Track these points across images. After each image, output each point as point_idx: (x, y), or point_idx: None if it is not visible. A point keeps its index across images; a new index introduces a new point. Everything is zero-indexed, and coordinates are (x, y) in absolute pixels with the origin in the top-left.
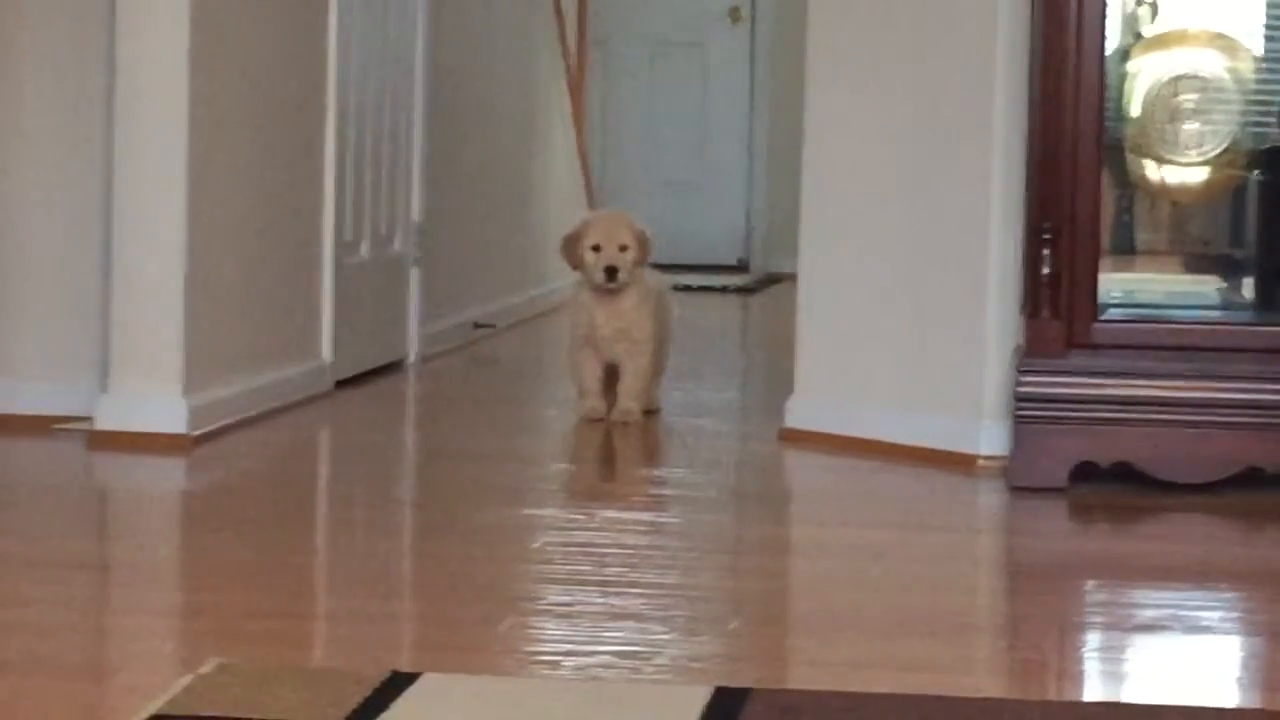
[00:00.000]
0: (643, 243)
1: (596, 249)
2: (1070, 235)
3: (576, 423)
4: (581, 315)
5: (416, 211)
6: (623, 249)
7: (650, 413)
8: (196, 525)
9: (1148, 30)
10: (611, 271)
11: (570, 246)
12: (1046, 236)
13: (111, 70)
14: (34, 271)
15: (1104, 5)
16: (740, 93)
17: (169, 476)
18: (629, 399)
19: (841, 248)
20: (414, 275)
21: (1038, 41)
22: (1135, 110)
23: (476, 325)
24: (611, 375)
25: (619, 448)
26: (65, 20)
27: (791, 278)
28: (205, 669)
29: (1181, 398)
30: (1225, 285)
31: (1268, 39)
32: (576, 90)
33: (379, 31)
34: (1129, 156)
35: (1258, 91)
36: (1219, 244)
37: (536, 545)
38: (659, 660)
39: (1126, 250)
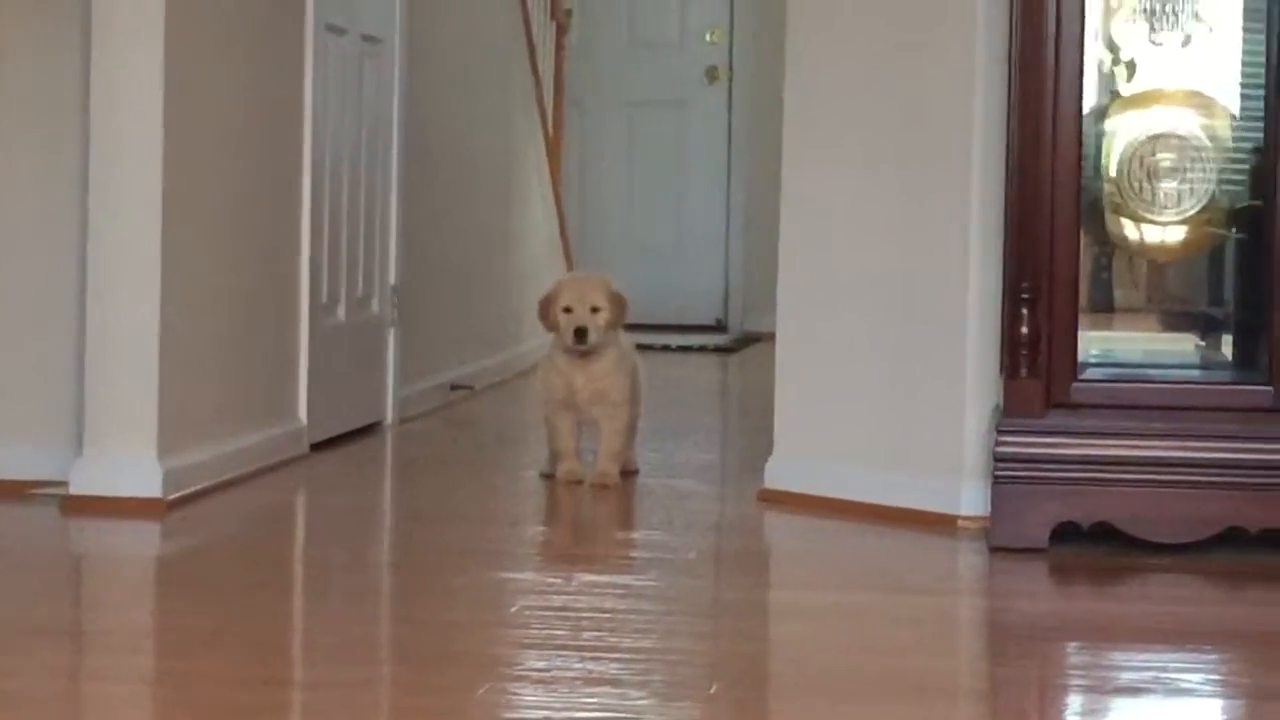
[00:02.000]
0: (617, 304)
1: (569, 310)
2: (1049, 295)
3: (553, 485)
4: (556, 377)
5: (393, 274)
6: (595, 310)
7: (628, 474)
8: (171, 591)
9: (1125, 89)
10: (581, 333)
11: (545, 308)
12: (1025, 296)
13: (86, 135)
14: (8, 335)
15: (1081, 65)
16: (718, 152)
17: (144, 541)
18: (607, 461)
19: (820, 308)
20: (391, 337)
21: (1015, 101)
22: (1113, 169)
23: (454, 387)
24: (582, 436)
25: (596, 510)
26: (39, 91)
27: (770, 337)
28: None
29: (1162, 457)
30: (1204, 343)
31: (1243, 97)
32: (553, 151)
33: (355, 94)
34: (1107, 215)
35: (1235, 150)
36: (1198, 302)
37: (514, 609)
38: None
39: (1105, 309)
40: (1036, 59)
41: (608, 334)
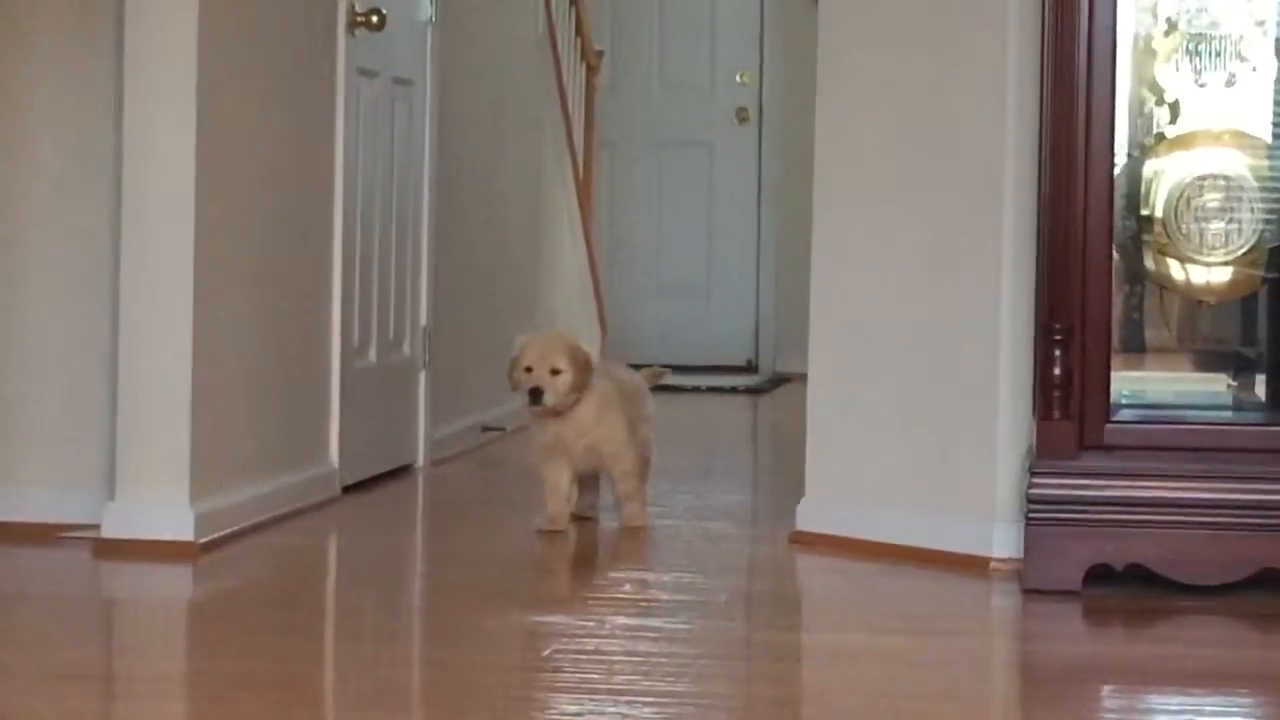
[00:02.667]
0: (580, 365)
1: (529, 370)
2: (1081, 336)
3: (584, 527)
4: (542, 433)
5: (424, 316)
6: (555, 372)
7: (635, 528)
8: (202, 636)
9: (1169, 130)
10: (536, 394)
11: (510, 368)
12: (1058, 337)
13: (118, 179)
14: (40, 378)
15: (1112, 107)
16: (748, 193)
17: (175, 585)
18: (630, 504)
19: (851, 349)
20: (422, 379)
21: (1047, 143)
22: (1159, 211)
23: (485, 429)
24: (583, 483)
25: (628, 552)
26: (71, 137)
27: (801, 378)
28: None
29: (1195, 499)
30: (1237, 384)
31: None
32: (584, 192)
33: (386, 136)
34: (1152, 256)
35: (1277, 188)
36: (1231, 342)
37: (546, 653)
38: None
39: (1137, 349)
40: (1068, 101)
41: (568, 396)
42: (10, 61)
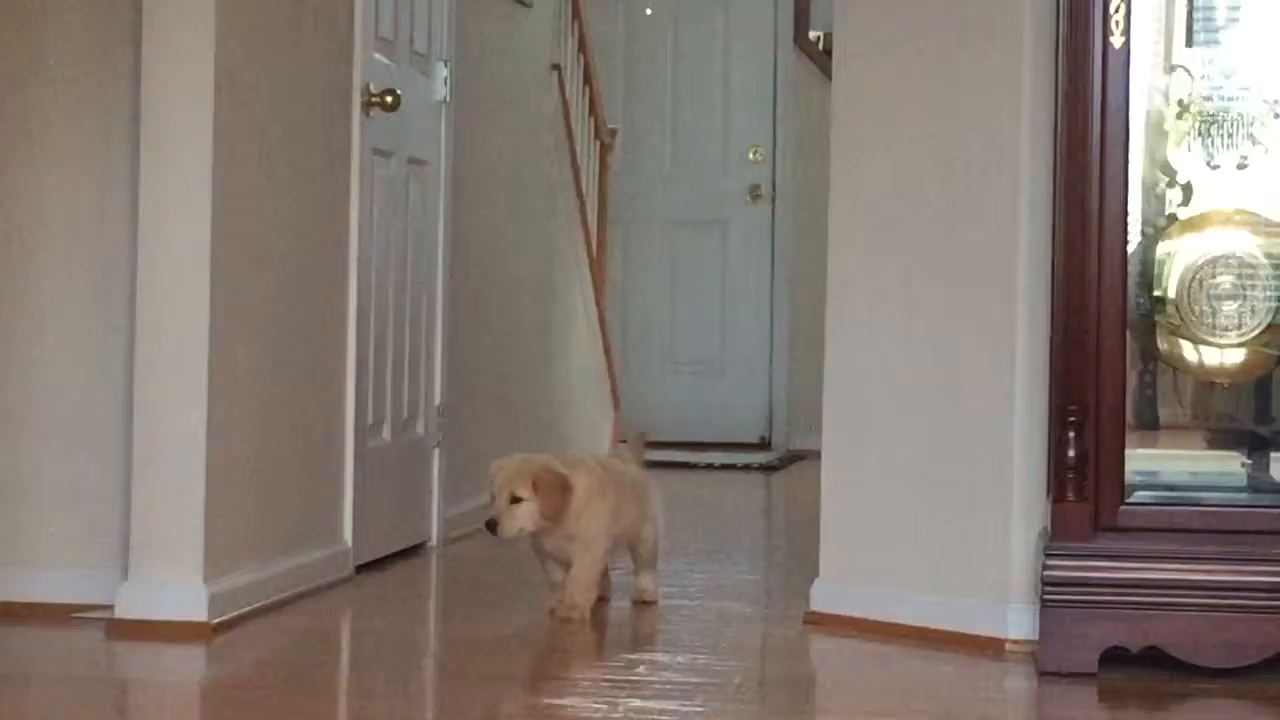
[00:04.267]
0: (549, 489)
1: (493, 499)
2: (1095, 417)
3: (596, 608)
4: (525, 541)
5: (438, 394)
6: (515, 500)
7: (645, 604)
8: (215, 717)
9: (1182, 212)
10: (490, 525)
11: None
12: (1072, 419)
13: (133, 256)
14: (54, 459)
15: (1126, 186)
16: (761, 271)
17: (189, 666)
18: (577, 593)
19: (866, 429)
20: (436, 458)
21: (1060, 222)
22: (1172, 291)
23: None
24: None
25: (642, 634)
26: (86, 203)
27: (815, 455)
28: None
29: (1211, 581)
30: (1252, 463)
31: None
32: (597, 270)
33: (401, 215)
34: (1165, 337)
35: None
36: (1245, 421)
37: None
38: None
39: (1151, 429)
40: (1081, 183)
41: (533, 524)
42: (20, 160)
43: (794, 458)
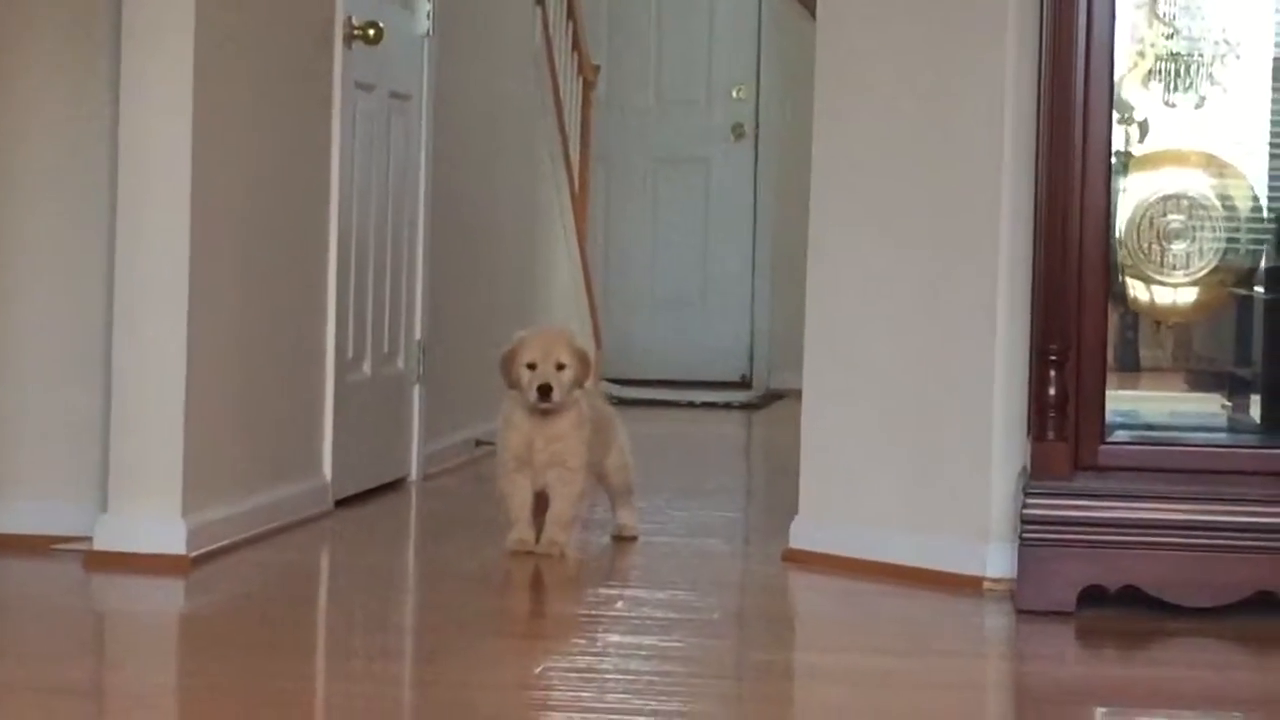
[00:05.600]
0: (583, 361)
1: (532, 366)
2: (1076, 357)
3: (580, 544)
4: (514, 437)
5: (419, 329)
6: (560, 367)
7: (625, 539)
8: (193, 649)
9: (1136, 150)
10: (546, 390)
11: (507, 364)
12: (1053, 358)
13: (113, 188)
14: (34, 391)
15: (1109, 130)
16: (743, 209)
17: (167, 598)
18: (558, 528)
19: (846, 367)
20: (416, 393)
21: (1043, 164)
22: (1122, 230)
23: (478, 443)
24: (541, 503)
25: (621, 570)
26: (65, 150)
27: (795, 394)
28: None
29: (1189, 520)
30: (1232, 405)
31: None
32: (579, 206)
33: (382, 149)
34: (1118, 276)
35: (1249, 210)
36: (1225, 364)
37: (538, 671)
38: None
39: (1132, 370)
40: (1064, 123)
41: (571, 393)
42: (4, 76)
43: (774, 396)
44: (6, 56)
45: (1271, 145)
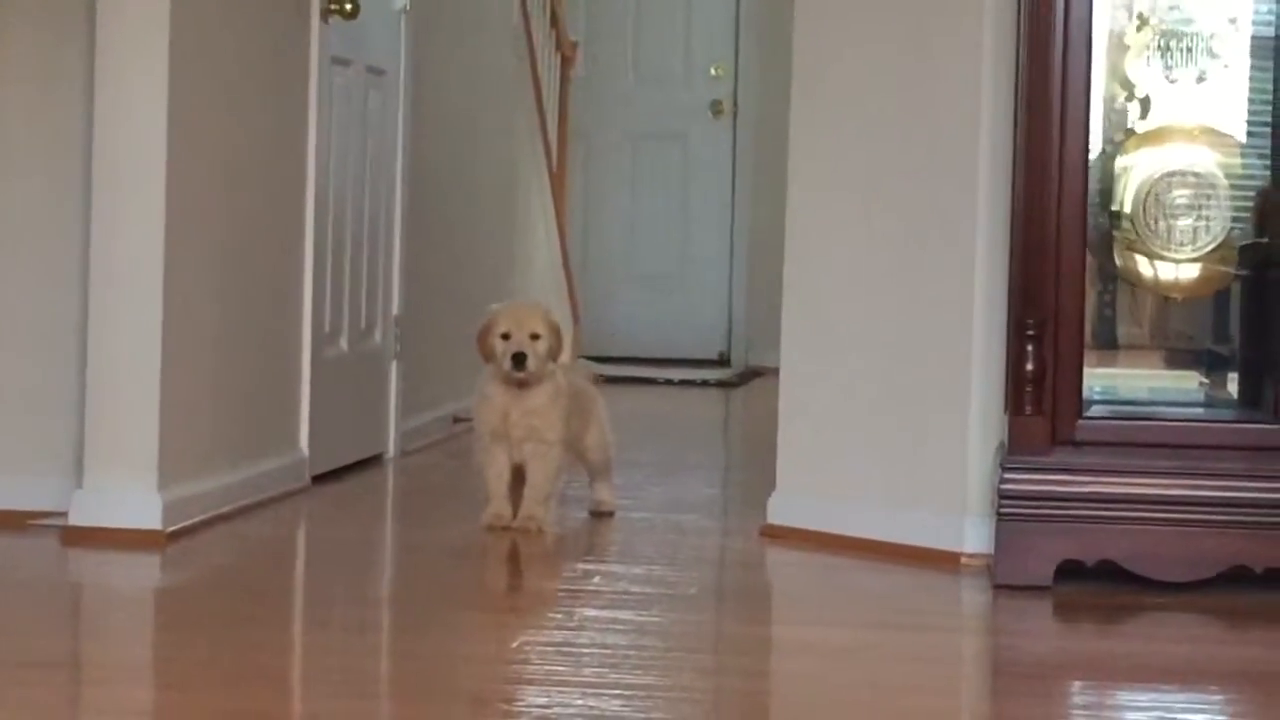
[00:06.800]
0: (555, 333)
1: (506, 337)
2: (1054, 331)
3: (557, 519)
4: (489, 409)
5: (396, 305)
6: (534, 337)
7: (602, 514)
8: (169, 623)
9: (1140, 126)
10: (519, 359)
11: (482, 336)
12: (1031, 333)
13: (88, 159)
14: (8, 365)
15: (1088, 102)
16: (722, 186)
17: (143, 573)
18: (534, 504)
19: (824, 344)
20: (393, 369)
21: (1022, 139)
22: (1128, 206)
23: (455, 419)
24: (519, 477)
25: (598, 545)
26: (41, 119)
27: (773, 372)
28: None
29: (1167, 495)
30: (1210, 381)
31: (1256, 133)
32: (557, 183)
33: (359, 124)
34: (1120, 252)
35: (1246, 185)
36: (1203, 339)
37: (514, 645)
38: None
39: (1110, 345)
40: (1043, 95)
41: (545, 364)
42: None
43: (752, 374)
44: None
45: (1260, 118)
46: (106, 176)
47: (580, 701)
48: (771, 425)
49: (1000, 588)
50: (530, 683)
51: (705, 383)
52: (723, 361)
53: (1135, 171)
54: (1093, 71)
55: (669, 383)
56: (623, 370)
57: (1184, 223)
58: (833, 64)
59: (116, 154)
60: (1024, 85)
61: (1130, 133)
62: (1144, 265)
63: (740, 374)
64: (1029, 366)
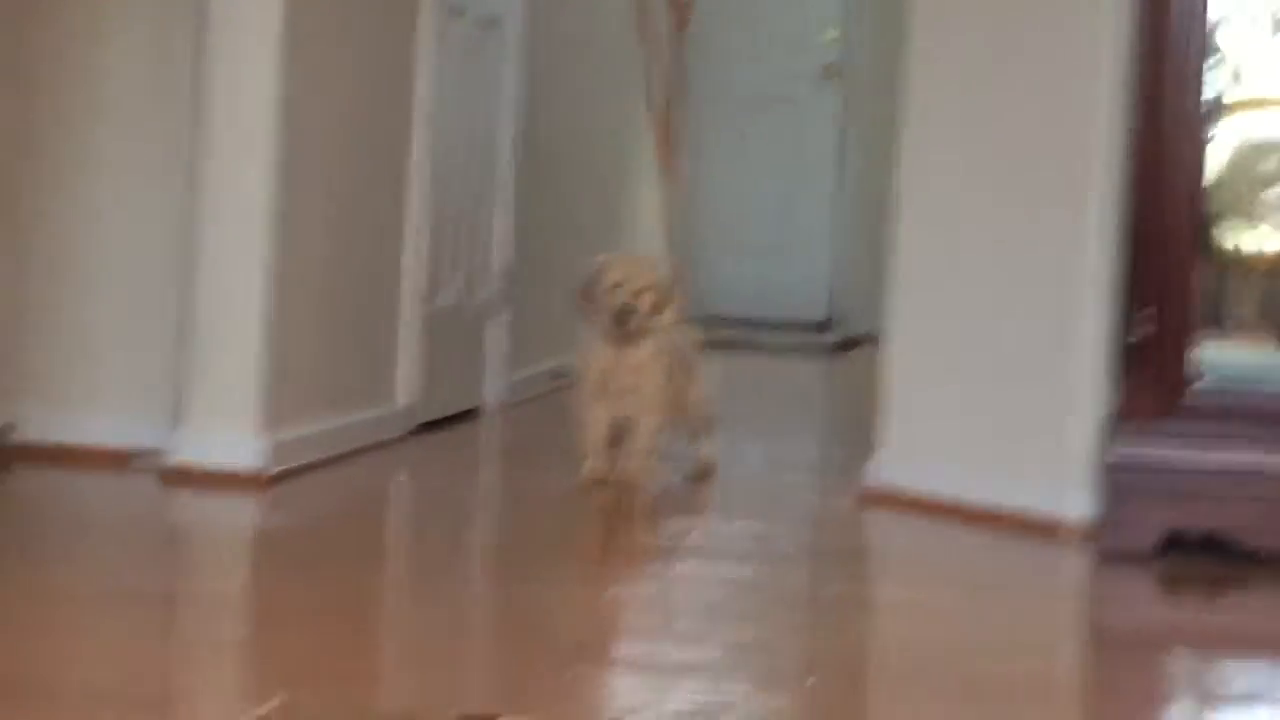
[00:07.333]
0: (663, 288)
1: (613, 291)
2: (1165, 299)
3: (657, 475)
4: (593, 365)
5: (503, 259)
6: (640, 292)
7: (703, 473)
8: (267, 564)
9: (1229, 96)
10: (626, 313)
11: (587, 288)
12: (1141, 301)
13: (198, 104)
14: (113, 304)
15: (1201, 70)
16: (830, 151)
17: (242, 514)
18: (635, 459)
19: (929, 307)
20: (498, 323)
21: (1138, 107)
22: (1214, 176)
23: (555, 376)
24: (619, 432)
25: (697, 501)
26: (151, 62)
27: (874, 340)
28: (270, 706)
29: (1275, 467)
30: None
31: None
32: (668, 144)
33: (472, 76)
34: (1209, 222)
35: None
36: None
37: (611, 595)
38: (731, 716)
39: (1221, 315)
40: (1159, 63)
41: (650, 320)
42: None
43: (853, 342)
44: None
45: None
46: (216, 118)
47: (676, 653)
48: (871, 392)
49: (1103, 556)
50: (627, 632)
51: (807, 348)
52: (825, 327)
53: (1224, 142)
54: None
55: (770, 347)
56: (724, 333)
57: (1272, 194)
58: (946, 33)
59: (227, 96)
60: (1142, 50)
61: (1220, 102)
62: (1230, 236)
63: (841, 341)
64: (1139, 334)
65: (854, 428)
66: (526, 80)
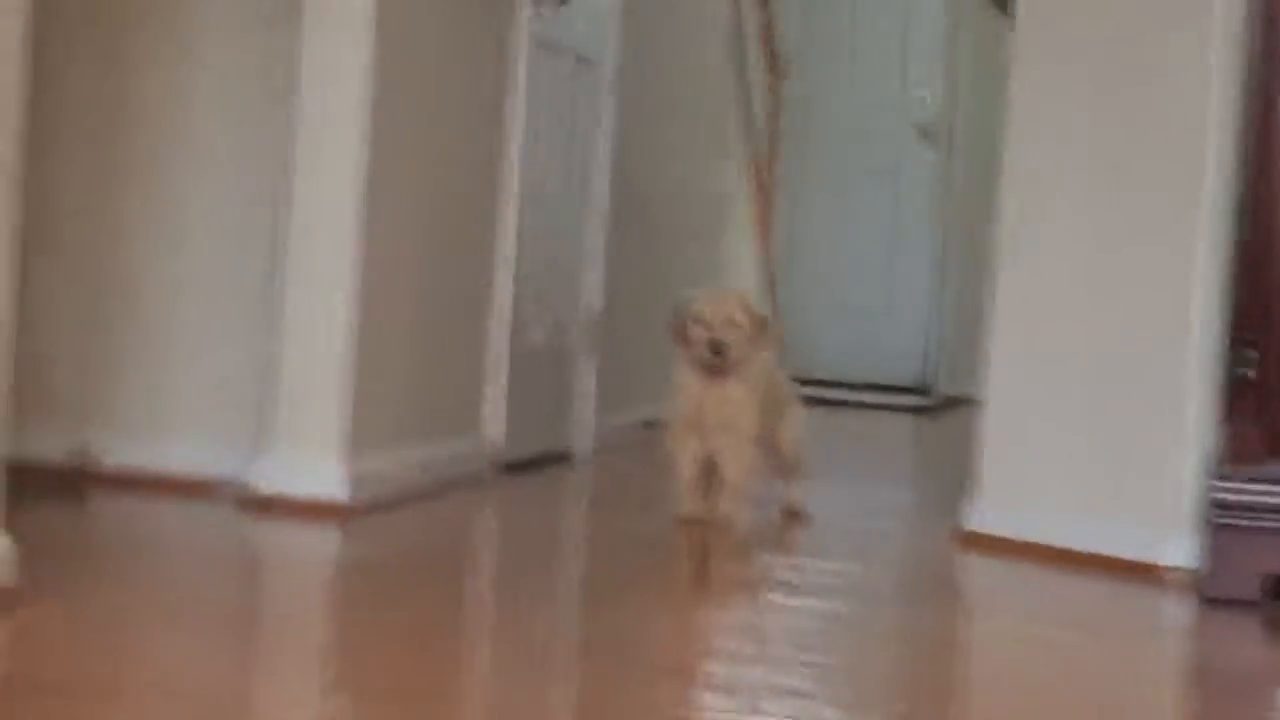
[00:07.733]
0: (757, 322)
1: (705, 325)
2: (1272, 341)
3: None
4: (685, 399)
5: (594, 302)
6: (733, 325)
7: (794, 516)
8: (347, 598)
9: None
10: (718, 347)
11: (679, 321)
12: (1248, 342)
13: (291, 139)
14: (202, 331)
15: None
16: (930, 212)
17: (324, 545)
18: (730, 500)
19: (1031, 351)
20: (588, 366)
21: (1247, 146)
22: None
23: (646, 424)
24: (710, 469)
25: (789, 541)
26: (241, 80)
27: (971, 401)
28: None
29: None
30: None
31: None
32: (765, 198)
33: (565, 113)
34: None
35: None
36: None
37: (702, 622)
38: None
39: None
40: (1269, 109)
41: (744, 354)
42: (182, 32)
43: (950, 403)
44: (178, 46)
45: None
46: (306, 155)
47: (767, 676)
48: (966, 450)
49: (1206, 601)
50: (717, 656)
51: (902, 408)
52: (922, 389)
53: None
54: None
55: (866, 406)
56: (820, 393)
57: None
58: (1049, 89)
59: (319, 135)
60: (1251, 103)
61: None
62: None
63: (938, 402)
64: (1246, 376)
65: (949, 478)
66: (620, 122)
